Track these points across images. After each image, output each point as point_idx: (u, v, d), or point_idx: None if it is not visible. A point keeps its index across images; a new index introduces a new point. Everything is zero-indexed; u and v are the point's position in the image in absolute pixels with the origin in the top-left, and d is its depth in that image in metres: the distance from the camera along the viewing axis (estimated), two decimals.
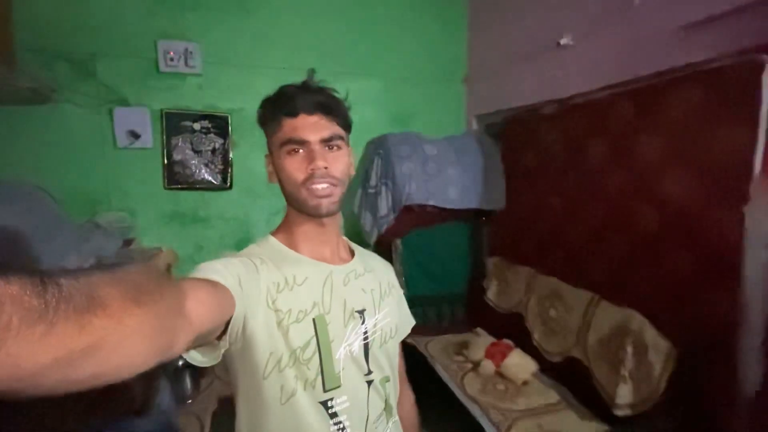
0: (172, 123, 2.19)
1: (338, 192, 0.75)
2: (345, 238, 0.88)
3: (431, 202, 2.32)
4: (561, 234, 1.94)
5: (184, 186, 2.24)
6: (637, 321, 1.51)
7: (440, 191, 2.34)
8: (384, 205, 2.34)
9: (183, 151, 2.21)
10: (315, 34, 2.45)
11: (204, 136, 2.25)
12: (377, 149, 2.44)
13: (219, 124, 2.27)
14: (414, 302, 2.47)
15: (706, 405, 1.28)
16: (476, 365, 2.06)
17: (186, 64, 2.14)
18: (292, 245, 0.78)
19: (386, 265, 0.93)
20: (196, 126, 2.23)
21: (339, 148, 0.75)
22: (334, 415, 0.70)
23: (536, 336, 2.02)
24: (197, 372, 1.74)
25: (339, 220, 0.82)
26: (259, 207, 2.40)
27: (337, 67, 2.50)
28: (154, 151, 2.17)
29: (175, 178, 2.22)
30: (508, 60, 2.42)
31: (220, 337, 0.60)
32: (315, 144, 0.72)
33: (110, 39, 2.05)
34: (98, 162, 2.07)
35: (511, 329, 2.19)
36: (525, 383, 1.91)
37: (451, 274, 2.66)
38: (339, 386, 0.71)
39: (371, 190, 2.43)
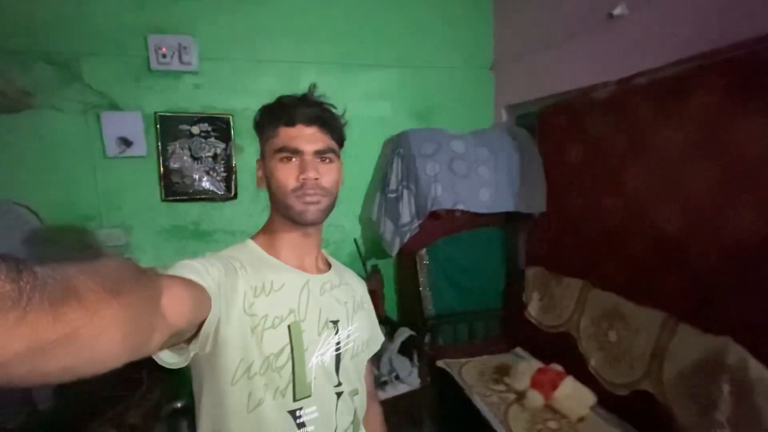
0: (168, 127, 1.96)
1: (326, 201, 0.75)
2: (323, 251, 0.89)
3: (460, 207, 2.04)
4: (620, 241, 1.63)
5: (184, 197, 2.01)
6: (735, 352, 1.20)
7: (470, 194, 2.05)
8: (406, 212, 2.06)
9: (181, 158, 1.98)
10: (324, 23, 2.19)
11: (204, 140, 2.01)
12: (397, 148, 2.16)
13: (220, 127, 2.03)
14: (442, 319, 2.21)
15: None
16: (521, 396, 1.77)
17: (180, 60, 1.91)
18: (272, 251, 0.78)
19: (360, 281, 0.94)
20: (195, 130, 1.99)
21: (331, 161, 0.76)
22: (302, 425, 0.69)
23: (593, 362, 1.71)
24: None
25: (321, 229, 0.83)
26: (267, 217, 2.15)
27: (350, 58, 2.24)
28: (148, 159, 1.94)
29: (173, 188, 1.99)
30: (545, 41, 2.11)
31: (189, 341, 0.59)
32: (308, 155, 0.73)
33: (95, 36, 1.82)
34: (86, 173, 1.86)
35: (559, 351, 1.88)
36: (581, 419, 1.61)
37: (484, 287, 2.35)
38: (309, 396, 0.70)
39: (391, 195, 2.15)
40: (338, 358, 0.76)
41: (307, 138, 0.73)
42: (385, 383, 1.93)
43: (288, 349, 0.69)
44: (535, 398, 1.70)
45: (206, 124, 2.01)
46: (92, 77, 1.83)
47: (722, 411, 1.19)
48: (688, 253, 1.35)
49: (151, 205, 1.97)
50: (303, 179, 0.72)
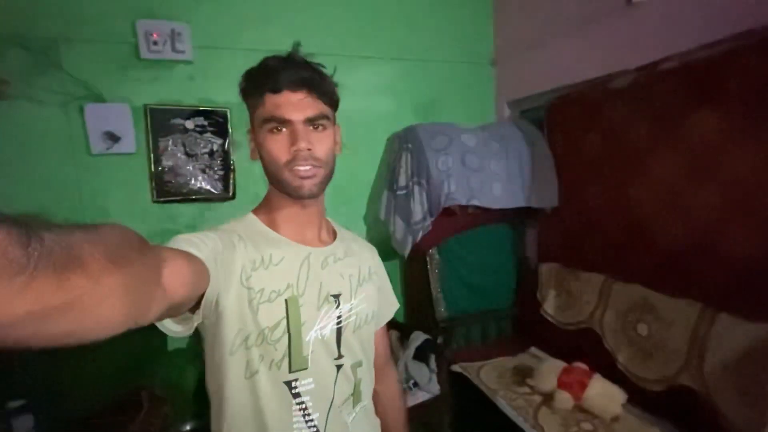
0: (160, 121, 1.79)
1: (322, 173, 0.72)
2: (330, 219, 0.86)
3: (474, 202, 1.96)
4: (647, 232, 1.59)
5: (178, 197, 1.84)
6: None
7: (484, 189, 1.98)
8: (419, 209, 1.97)
9: (174, 155, 1.82)
10: (326, 12, 2.09)
11: (199, 135, 1.85)
12: (404, 143, 2.07)
13: (216, 122, 1.88)
14: (455, 321, 2.11)
15: None
16: (548, 397, 1.69)
17: (173, 48, 1.76)
18: (272, 225, 0.76)
19: (370, 249, 0.91)
20: (189, 124, 1.83)
21: (324, 128, 0.72)
22: (297, 395, 0.70)
23: (621, 358, 1.65)
24: None
25: (323, 200, 0.79)
26: None
27: (350, 50, 2.14)
28: (138, 156, 1.77)
29: (166, 188, 1.82)
30: (550, 32, 2.08)
31: (193, 310, 0.58)
32: (298, 124, 0.68)
33: (77, 19, 1.65)
34: (69, 172, 1.67)
35: (580, 348, 1.82)
36: (615, 419, 1.54)
37: (495, 286, 2.28)
38: (306, 368, 0.70)
39: (401, 192, 2.05)
40: (339, 331, 0.75)
41: (296, 105, 0.68)
42: (403, 392, 1.81)
43: (284, 323, 0.68)
44: (564, 399, 1.62)
45: (202, 119, 1.85)
46: (74, 65, 1.65)
47: None
48: (723, 240, 1.31)
49: (141, 207, 1.80)
50: (295, 151, 0.68)
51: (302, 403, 0.70)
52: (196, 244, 0.59)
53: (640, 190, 1.60)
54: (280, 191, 0.73)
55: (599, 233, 1.82)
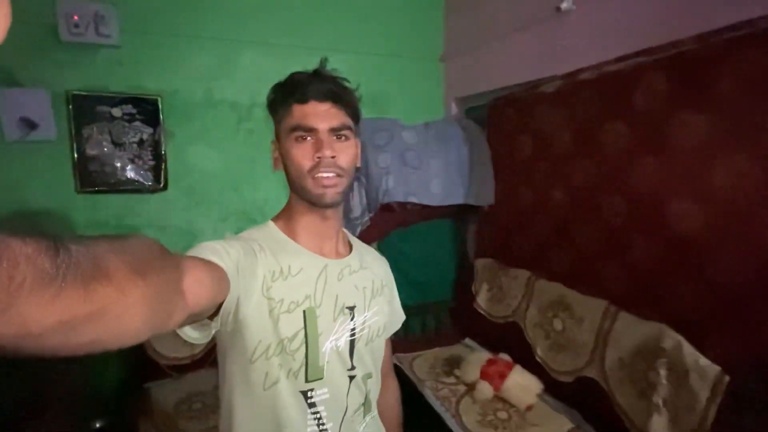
0: (84, 109, 1.71)
1: (343, 183, 0.74)
2: (345, 230, 0.87)
3: (412, 200, 1.99)
4: (566, 233, 1.67)
5: (104, 188, 1.78)
6: (671, 338, 1.25)
7: (422, 186, 2.01)
8: (357, 205, 1.98)
9: (99, 144, 1.74)
10: (269, 1, 2.02)
11: (127, 124, 1.78)
12: None
13: (146, 110, 1.81)
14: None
15: None
16: (471, 388, 1.77)
17: (97, 32, 1.66)
18: (291, 234, 0.78)
19: (382, 261, 0.93)
20: (116, 112, 1.76)
21: (347, 138, 0.74)
22: (312, 405, 0.71)
23: (539, 351, 1.75)
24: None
25: (341, 212, 0.81)
26: (203, 211, 1.97)
27: (297, 41, 2.10)
28: (58, 144, 1.69)
29: (91, 178, 1.75)
30: (493, 33, 2.11)
31: (212, 317, 0.60)
32: (323, 133, 0.71)
33: None
34: None
35: (507, 341, 1.91)
36: (529, 408, 1.64)
37: (435, 280, 2.35)
38: (321, 378, 0.71)
39: None
40: (353, 343, 0.77)
41: (322, 115, 0.71)
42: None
43: (302, 334, 0.70)
44: (485, 390, 1.72)
45: (130, 106, 1.78)
46: None
47: (659, 394, 1.25)
48: (629, 243, 1.40)
49: (64, 198, 1.72)
50: (318, 158, 0.70)
51: (317, 412, 0.72)
52: (219, 252, 0.60)
53: (562, 193, 1.67)
54: (302, 199, 0.75)
55: (528, 232, 1.90)
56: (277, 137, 0.77)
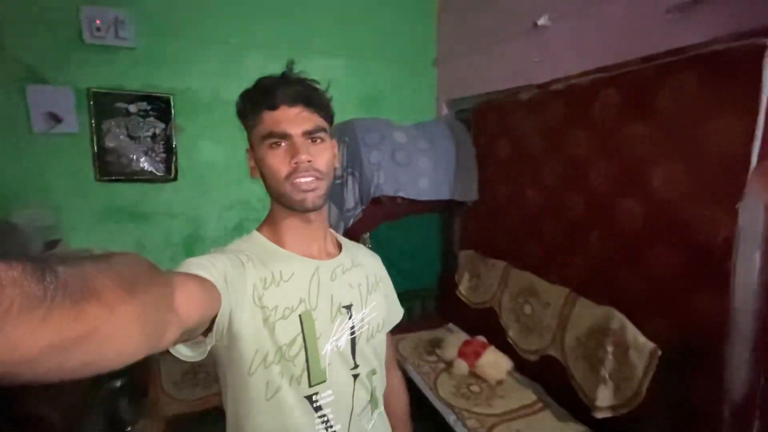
0: (103, 105, 1.89)
1: (323, 185, 0.73)
2: (332, 231, 0.86)
3: (401, 194, 2.17)
4: (537, 227, 1.85)
5: (120, 177, 1.96)
6: (617, 320, 1.44)
7: (411, 182, 2.19)
8: (351, 198, 2.16)
9: (117, 137, 1.92)
10: (273, 6, 2.19)
11: (142, 119, 1.96)
12: (343, 136, 2.24)
13: (160, 106, 1.99)
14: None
15: (690, 411, 1.23)
16: (449, 365, 1.97)
17: (116, 35, 1.84)
18: (277, 241, 0.76)
19: (374, 257, 0.92)
20: (132, 108, 1.94)
21: (322, 140, 0.73)
22: (318, 409, 0.71)
23: (511, 333, 1.94)
24: (137, 392, 1.52)
25: (325, 213, 0.81)
26: (209, 201, 2.16)
27: (298, 44, 2.27)
28: (80, 137, 1.86)
29: (109, 168, 1.93)
30: (481, 41, 2.28)
31: (206, 333, 0.59)
32: (297, 137, 0.70)
33: (21, 3, 1.70)
34: (9, 150, 1.75)
35: (485, 325, 2.10)
36: (500, 383, 1.84)
37: (422, 268, 2.54)
38: (324, 381, 0.71)
39: (337, 181, 2.24)
40: (353, 341, 0.76)
41: (293, 119, 0.70)
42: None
43: (300, 339, 0.69)
44: (461, 366, 1.91)
45: (145, 103, 1.96)
46: (17, 47, 1.71)
47: (606, 368, 1.44)
48: (587, 238, 1.59)
49: (83, 185, 1.90)
50: (295, 163, 0.69)
51: (324, 416, 0.71)
52: (206, 266, 0.59)
53: (534, 191, 1.86)
54: (284, 206, 0.73)
55: (505, 226, 2.08)
56: (251, 145, 0.74)
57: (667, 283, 1.30)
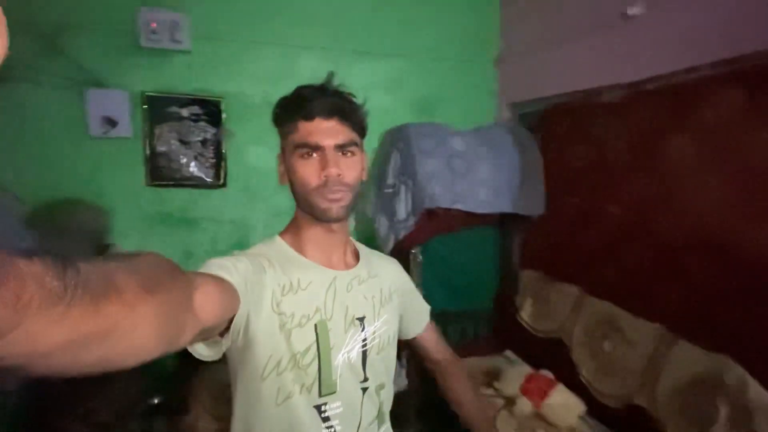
0: (156, 108, 1.87)
1: (349, 197, 0.74)
2: (352, 239, 0.87)
3: (458, 206, 1.98)
4: (620, 249, 1.58)
5: (170, 182, 1.93)
6: (735, 372, 1.16)
7: (469, 193, 1.99)
8: (402, 208, 2.00)
9: (168, 141, 1.89)
10: (325, 6, 2.10)
11: (193, 124, 1.92)
12: (396, 142, 2.09)
13: (210, 111, 1.94)
14: (433, 319, 2.18)
15: None
16: (510, 402, 1.73)
17: (172, 38, 1.81)
18: (299, 248, 0.78)
19: (392, 263, 0.92)
20: (185, 112, 1.90)
21: (353, 154, 0.74)
22: (326, 419, 0.71)
23: (584, 372, 1.68)
24: (174, 410, 1.44)
25: (348, 225, 0.81)
26: (257, 208, 2.08)
27: (351, 45, 2.16)
28: (134, 141, 1.85)
29: (160, 173, 1.90)
30: (551, 37, 2.04)
31: (222, 334, 0.60)
32: (329, 150, 0.71)
33: (81, 7, 1.72)
34: (66, 153, 1.77)
35: (550, 357, 1.85)
36: (571, 429, 1.58)
37: (476, 287, 2.31)
38: (335, 392, 0.71)
39: (388, 190, 2.09)
40: (365, 354, 0.76)
41: (327, 132, 0.71)
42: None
43: (314, 348, 0.70)
44: (525, 405, 1.67)
45: (197, 107, 1.92)
46: (76, 51, 1.73)
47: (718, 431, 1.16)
48: (689, 266, 1.31)
49: (135, 190, 1.89)
50: (325, 176, 0.70)
51: (331, 427, 0.72)
52: (228, 268, 0.61)
53: (616, 206, 1.59)
54: (308, 214, 0.75)
55: (578, 246, 1.82)
56: (283, 151, 0.76)
57: None
